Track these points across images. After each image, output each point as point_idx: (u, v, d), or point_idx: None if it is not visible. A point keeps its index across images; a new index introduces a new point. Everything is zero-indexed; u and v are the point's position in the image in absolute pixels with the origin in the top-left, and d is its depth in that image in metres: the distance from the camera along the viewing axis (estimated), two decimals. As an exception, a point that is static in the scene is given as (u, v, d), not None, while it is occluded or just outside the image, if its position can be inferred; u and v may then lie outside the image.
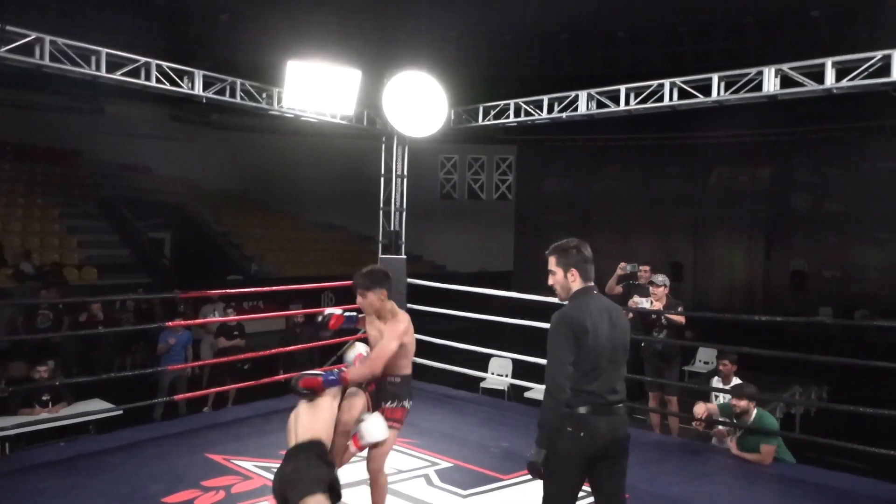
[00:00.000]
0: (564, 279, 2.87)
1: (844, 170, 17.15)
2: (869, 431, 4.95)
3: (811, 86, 5.20)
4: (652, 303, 5.96)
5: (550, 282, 2.92)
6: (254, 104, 6.13)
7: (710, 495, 4.21)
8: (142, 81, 5.33)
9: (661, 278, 5.80)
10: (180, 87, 5.59)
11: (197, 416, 6.39)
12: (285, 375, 6.23)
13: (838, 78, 5.09)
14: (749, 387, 5.12)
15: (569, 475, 2.75)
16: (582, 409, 2.71)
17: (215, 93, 5.82)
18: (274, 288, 8.75)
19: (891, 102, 6.12)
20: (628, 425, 2.87)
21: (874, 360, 4.56)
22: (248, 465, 4.45)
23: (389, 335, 3.34)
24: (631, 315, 6.06)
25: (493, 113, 6.88)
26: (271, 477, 4.21)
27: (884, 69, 4.92)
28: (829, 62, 5.10)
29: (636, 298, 6.13)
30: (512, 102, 6.69)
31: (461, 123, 7.06)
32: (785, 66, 5.30)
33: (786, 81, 5.34)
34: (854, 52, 5.05)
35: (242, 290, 10.26)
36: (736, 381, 5.57)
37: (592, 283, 2.88)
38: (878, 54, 4.90)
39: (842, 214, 17.19)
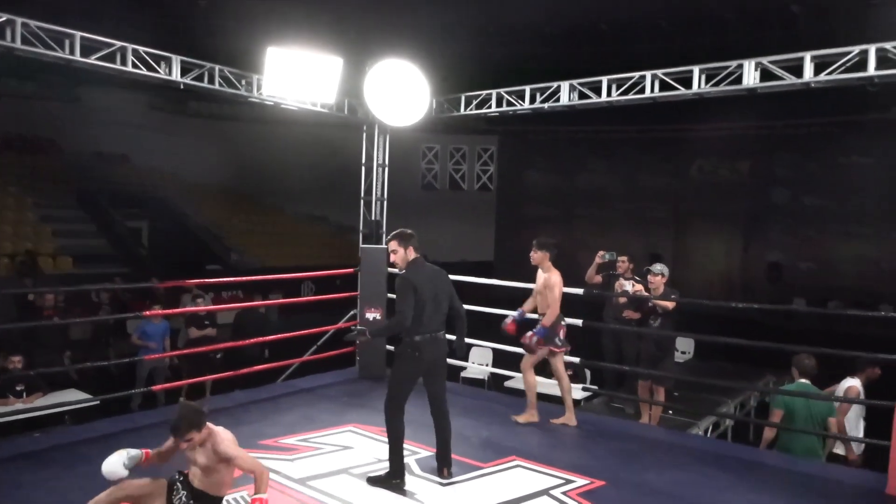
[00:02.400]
0: (405, 254, 4.07)
1: (821, 164, 17.38)
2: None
3: (790, 80, 5.25)
4: (633, 285, 6.00)
5: (393, 258, 4.10)
6: (233, 91, 6.03)
7: (686, 483, 4.26)
8: (118, 66, 5.22)
9: (658, 267, 5.82)
10: (157, 72, 5.49)
11: (174, 406, 6.31)
12: (266, 366, 6.21)
13: (817, 72, 5.15)
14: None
15: (408, 382, 4.05)
16: (417, 338, 3.96)
17: (193, 79, 5.72)
18: (253, 277, 8.65)
19: (868, 97, 6.22)
20: (447, 349, 4.17)
21: (845, 349, 4.66)
22: (226, 455, 4.40)
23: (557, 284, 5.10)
24: (623, 300, 6.12)
25: (475, 102, 6.86)
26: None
27: (861, 64, 4.98)
28: (807, 56, 5.15)
29: (622, 281, 6.18)
30: (494, 92, 6.68)
31: (443, 113, 7.03)
32: (765, 60, 5.34)
33: (765, 75, 5.38)
34: (832, 46, 5.11)
35: (221, 279, 10.17)
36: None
37: (420, 256, 4.11)
38: (856, 49, 4.95)
39: (818, 208, 17.45)
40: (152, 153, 17.17)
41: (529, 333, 5.16)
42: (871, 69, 4.90)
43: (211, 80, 5.86)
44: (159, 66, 5.50)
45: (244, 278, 8.46)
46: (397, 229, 4.22)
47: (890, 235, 16.05)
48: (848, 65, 5.02)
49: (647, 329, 5.79)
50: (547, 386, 6.66)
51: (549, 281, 5.16)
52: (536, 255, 5.19)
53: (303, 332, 6.62)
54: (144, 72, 5.39)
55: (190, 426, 3.24)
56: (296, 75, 5.93)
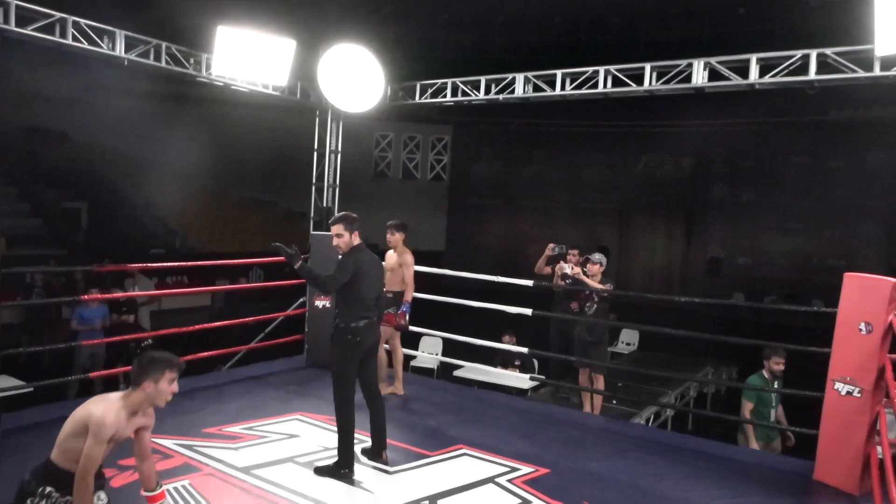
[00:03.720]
0: (350, 239, 4.02)
1: (759, 162, 18.04)
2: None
3: (736, 80, 5.41)
4: (573, 268, 6.12)
5: (336, 242, 4.03)
6: (180, 69, 5.83)
7: (627, 470, 4.38)
8: (56, 39, 4.97)
9: (597, 256, 5.96)
10: (100, 47, 5.25)
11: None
12: (210, 353, 6.05)
13: (762, 74, 5.32)
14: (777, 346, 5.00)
15: (352, 367, 4.02)
16: (361, 323, 3.98)
17: (138, 55, 5.50)
18: (199, 262, 8.43)
19: (807, 99, 6.47)
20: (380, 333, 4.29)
21: (780, 341, 4.87)
22: (168, 443, 4.30)
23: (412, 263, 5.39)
24: (563, 283, 6.24)
25: (430, 91, 6.83)
26: (191, 455, 4.13)
27: (803, 68, 5.17)
28: (753, 58, 5.31)
29: (561, 263, 6.31)
30: (449, 81, 6.66)
31: (398, 100, 6.97)
32: (713, 60, 5.49)
33: (713, 74, 5.54)
34: (774, 49, 5.29)
35: (165, 264, 9.83)
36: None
37: (363, 242, 4.10)
38: (799, 53, 5.14)
39: (755, 205, 18.12)
40: (92, 130, 16.46)
41: (399, 312, 5.37)
42: (812, 73, 5.10)
43: (157, 58, 5.64)
44: (102, 40, 5.26)
45: (190, 263, 8.24)
46: (339, 213, 4.17)
47: (821, 232, 16.81)
48: (791, 68, 5.21)
49: (586, 317, 5.93)
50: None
51: (405, 260, 5.42)
52: (395, 238, 5.40)
53: (249, 319, 6.50)
54: (86, 46, 5.15)
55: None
56: (247, 56, 5.77)
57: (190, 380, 5.60)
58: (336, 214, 4.19)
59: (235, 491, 3.72)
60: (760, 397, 5.04)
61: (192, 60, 5.89)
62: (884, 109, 14.05)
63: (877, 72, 4.85)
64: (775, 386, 5.04)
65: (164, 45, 5.65)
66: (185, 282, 11.63)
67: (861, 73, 4.92)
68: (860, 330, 3.98)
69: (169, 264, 8.06)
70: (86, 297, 6.81)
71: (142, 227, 15.28)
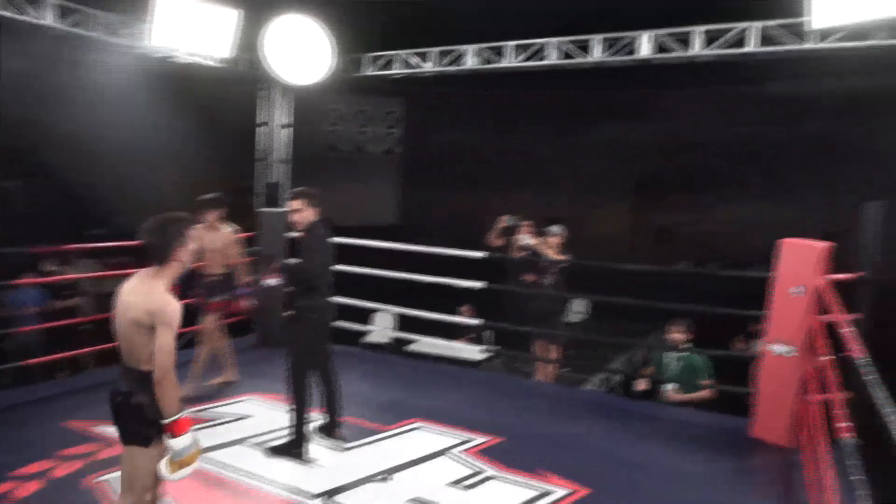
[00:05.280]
0: (309, 215, 3.90)
1: (706, 132, 18.45)
2: (721, 371, 5.52)
3: (680, 52, 5.51)
4: (532, 239, 6.14)
5: (295, 217, 3.90)
6: (116, 40, 5.59)
7: (579, 435, 4.51)
8: (-23, 7, 4.71)
9: (556, 228, 6.01)
10: (26, 15, 4.99)
11: (53, 382, 5.92)
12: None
13: (704, 46, 5.43)
14: (684, 321, 5.22)
15: (318, 346, 4.03)
16: (325, 301, 3.98)
17: (71, 25, 5.25)
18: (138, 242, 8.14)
19: (747, 71, 6.64)
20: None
21: (724, 307, 5.05)
22: (112, 430, 4.19)
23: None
24: (520, 254, 6.27)
25: (378, 63, 6.74)
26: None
27: (743, 40, 5.30)
28: (697, 30, 5.42)
29: (519, 235, 6.28)
30: (398, 53, 6.59)
31: (347, 72, 6.86)
32: (658, 32, 5.57)
33: (658, 46, 5.62)
34: (718, 21, 5.40)
35: (106, 244, 9.48)
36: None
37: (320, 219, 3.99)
38: (740, 26, 5.26)
39: (700, 175, 18.58)
40: (28, 106, 15.65)
41: (241, 295, 5.14)
42: (752, 46, 5.22)
43: (92, 27, 5.40)
44: (32, 7, 4.99)
45: (134, 243, 7.95)
46: (298, 188, 4.04)
47: (765, 201, 17.38)
48: (732, 40, 5.33)
49: (542, 289, 5.99)
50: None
51: (230, 237, 5.13)
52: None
53: (196, 300, 6.36)
54: (14, 15, 4.88)
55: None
56: (188, 26, 5.58)
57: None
58: (294, 189, 4.02)
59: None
60: (658, 364, 5.26)
61: (129, 30, 5.65)
62: (819, 81, 14.50)
63: (812, 44, 5.01)
64: (673, 355, 5.19)
65: (99, 13, 5.40)
66: (130, 263, 11.29)
67: (798, 46, 5.07)
68: (793, 293, 4.16)
69: (111, 244, 7.76)
70: (19, 280, 6.52)
71: (81, 208, 14.70)
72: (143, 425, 2.44)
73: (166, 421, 2.41)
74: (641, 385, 5.19)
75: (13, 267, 8.13)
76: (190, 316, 4.87)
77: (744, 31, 5.27)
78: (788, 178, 16.98)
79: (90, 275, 7.40)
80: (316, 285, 3.92)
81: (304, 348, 3.99)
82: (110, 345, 5.30)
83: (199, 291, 5.09)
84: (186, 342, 6.44)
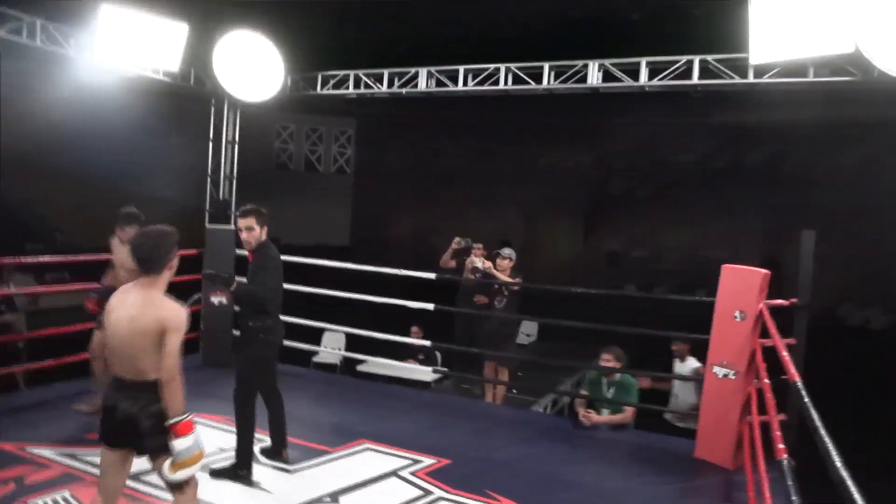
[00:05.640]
0: (260, 234, 3.83)
1: (651, 159, 19.07)
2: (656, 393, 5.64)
3: (628, 82, 5.68)
4: (483, 262, 6.17)
5: (245, 236, 3.80)
6: (58, 49, 5.42)
7: (528, 457, 4.51)
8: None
9: (507, 251, 6.04)
10: (-38, 21, 4.79)
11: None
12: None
13: (651, 76, 5.62)
14: (616, 349, 5.20)
15: (268, 367, 3.95)
16: (273, 322, 3.86)
17: (9, 32, 5.06)
18: (83, 257, 7.81)
19: (692, 102, 6.90)
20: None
21: (669, 329, 5.17)
22: (45, 452, 4.01)
23: None
24: (472, 276, 6.29)
25: (332, 83, 6.72)
26: (72, 463, 3.87)
27: (687, 72, 5.50)
28: (643, 62, 5.60)
29: (472, 258, 6.30)
30: (352, 73, 6.58)
31: (298, 91, 6.81)
32: (607, 62, 5.73)
33: (607, 76, 5.79)
34: (665, 54, 5.60)
35: (43, 258, 9.12)
36: (692, 360, 5.41)
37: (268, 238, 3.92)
38: (684, 59, 5.46)
39: (648, 200, 19.13)
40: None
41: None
42: (696, 78, 5.43)
43: (31, 36, 5.21)
44: (-34, 14, 4.80)
45: (71, 258, 7.62)
46: (249, 205, 3.91)
47: (707, 227, 17.99)
48: (677, 72, 5.53)
49: (494, 312, 6.02)
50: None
51: None
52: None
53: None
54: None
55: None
56: (134, 38, 5.44)
57: (72, 383, 5.24)
58: (245, 206, 3.88)
59: (123, 499, 3.51)
60: (591, 387, 5.32)
61: (72, 41, 5.48)
62: (760, 113, 15.17)
63: (751, 79, 5.24)
64: (604, 381, 5.21)
65: (38, 22, 5.22)
66: (67, 278, 10.81)
67: (737, 80, 5.29)
68: (735, 317, 4.30)
69: (48, 258, 7.43)
70: (-50, 295, 6.19)
71: (17, 222, 14.09)
72: (164, 433, 2.51)
73: (172, 422, 2.49)
74: (586, 416, 5.13)
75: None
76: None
77: (687, 63, 5.47)
78: (731, 205, 17.64)
79: (25, 290, 7.07)
80: (267, 307, 3.84)
81: (253, 369, 3.89)
82: (43, 363, 5.12)
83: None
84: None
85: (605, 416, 5.07)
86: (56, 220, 14.46)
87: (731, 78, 5.31)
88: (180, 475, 2.53)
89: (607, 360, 5.13)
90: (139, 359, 2.52)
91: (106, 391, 2.66)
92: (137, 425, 2.52)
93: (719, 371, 4.36)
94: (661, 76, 5.58)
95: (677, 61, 5.51)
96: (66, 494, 3.49)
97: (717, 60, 5.38)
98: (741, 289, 4.32)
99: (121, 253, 4.68)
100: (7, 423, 4.46)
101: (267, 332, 3.85)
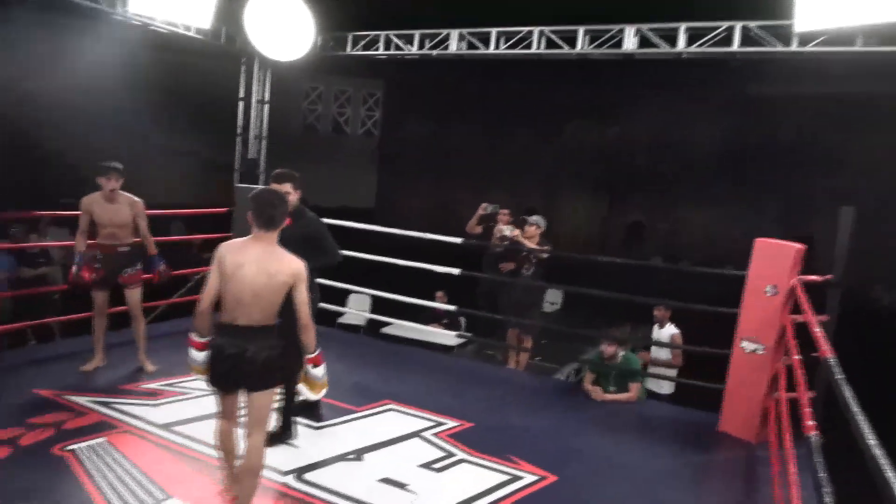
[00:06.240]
0: (296, 198, 3.77)
1: (675, 134, 18.68)
2: (690, 365, 5.63)
3: (665, 48, 5.54)
4: (512, 230, 6.15)
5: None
6: (93, 5, 5.43)
7: (548, 424, 4.55)
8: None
9: (535, 218, 6.00)
10: (0, -26, 4.81)
11: (22, 350, 5.81)
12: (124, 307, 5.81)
13: (689, 43, 5.46)
14: (618, 331, 5.30)
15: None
16: (315, 283, 3.78)
17: (46, -14, 5.07)
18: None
19: (727, 71, 6.70)
20: None
21: (693, 303, 5.12)
22: (81, 399, 4.14)
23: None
24: (500, 244, 6.28)
25: (361, 43, 6.65)
26: (107, 412, 3.99)
27: (727, 39, 5.34)
28: (682, 27, 5.45)
29: (500, 226, 6.28)
30: (382, 34, 6.51)
31: (328, 51, 6.76)
32: (644, 27, 5.58)
33: (643, 41, 5.64)
34: (704, 19, 5.43)
35: (76, 213, 9.30)
36: (670, 326, 5.89)
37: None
38: (725, 24, 5.30)
39: (674, 174, 18.82)
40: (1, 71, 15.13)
41: (162, 268, 4.82)
42: (736, 45, 5.27)
43: (67, -10, 5.24)
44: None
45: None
46: (284, 169, 3.81)
47: (736, 203, 17.68)
48: (716, 39, 5.37)
49: (520, 279, 6.01)
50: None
51: (140, 208, 4.67)
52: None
53: (171, 272, 6.25)
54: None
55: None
56: (167, -6, 5.44)
57: (107, 335, 5.37)
58: (281, 171, 3.78)
59: (155, 448, 3.63)
60: (597, 372, 5.22)
61: (106, -5, 5.49)
62: (797, 85, 14.74)
63: (794, 47, 5.07)
64: (606, 364, 5.16)
65: (74, -24, 5.24)
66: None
67: (781, 48, 5.13)
68: (766, 292, 4.24)
69: (78, 213, 7.58)
70: (-9, 246, 6.34)
71: (52, 175, 14.33)
72: (277, 370, 2.87)
73: (311, 355, 2.99)
74: (593, 393, 5.13)
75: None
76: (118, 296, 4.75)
77: (728, 30, 5.31)
78: (760, 181, 17.29)
79: (61, 243, 7.22)
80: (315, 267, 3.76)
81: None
82: (78, 315, 5.24)
83: (111, 266, 4.61)
84: (151, 319, 6.35)
85: (611, 395, 5.07)
86: (88, 174, 14.68)
87: (774, 46, 5.15)
88: (320, 394, 3.09)
89: (607, 348, 5.09)
90: (269, 307, 2.82)
91: (222, 341, 2.82)
92: (267, 364, 2.81)
93: (747, 346, 4.32)
94: (699, 43, 5.43)
95: (718, 27, 5.35)
96: (103, 440, 3.61)
97: (760, 27, 5.21)
98: (774, 263, 4.25)
99: (106, 211, 4.52)
100: (45, 371, 4.62)
101: (315, 293, 3.84)
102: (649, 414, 4.99)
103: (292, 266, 2.84)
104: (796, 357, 3.37)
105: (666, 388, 5.85)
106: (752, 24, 5.24)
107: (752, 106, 17.09)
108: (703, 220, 18.17)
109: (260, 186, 6.60)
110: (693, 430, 4.63)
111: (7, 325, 5.79)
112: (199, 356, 2.92)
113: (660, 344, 5.85)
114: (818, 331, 2.86)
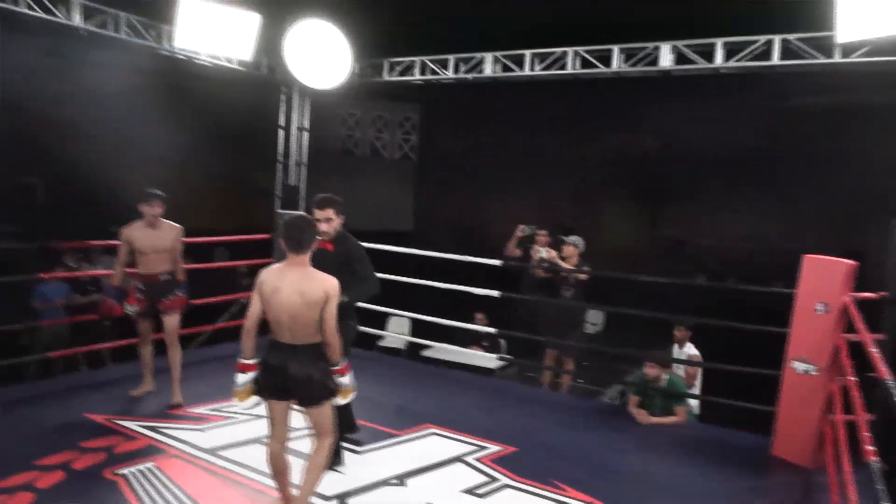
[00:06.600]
0: (338, 222, 3.76)
1: (721, 146, 18.33)
2: (731, 388, 5.45)
3: (702, 63, 5.47)
4: (548, 252, 6.10)
5: (326, 227, 3.69)
6: (140, 41, 5.65)
7: (594, 448, 4.47)
8: (10, 7, 4.77)
9: (573, 238, 5.96)
10: (55, 15, 5.05)
11: (74, 375, 6.00)
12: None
13: (726, 58, 5.39)
14: (660, 353, 5.26)
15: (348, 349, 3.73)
16: (355, 307, 3.83)
17: (96, 25, 5.31)
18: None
19: (764, 85, 6.59)
20: None
21: (737, 321, 4.98)
22: (132, 424, 4.24)
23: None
24: (542, 273, 6.24)
25: (398, 69, 6.76)
26: (156, 437, 4.07)
27: (766, 53, 5.25)
28: (719, 42, 5.38)
29: (537, 247, 6.25)
30: (418, 59, 6.60)
31: (365, 78, 6.89)
32: (680, 43, 5.54)
33: (679, 58, 5.59)
34: (741, 34, 5.36)
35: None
36: (690, 346, 5.75)
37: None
38: (763, 38, 5.22)
39: (718, 187, 18.43)
40: (48, 102, 15.82)
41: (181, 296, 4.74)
42: (776, 58, 5.18)
43: (116, 28, 5.47)
44: (57, 8, 5.06)
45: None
46: (327, 194, 3.78)
47: (781, 216, 17.21)
48: (755, 53, 5.29)
49: (560, 300, 5.96)
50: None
51: (181, 234, 4.76)
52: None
53: (216, 298, 6.40)
54: (41, 14, 4.95)
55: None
56: (210, 29, 5.62)
57: (156, 359, 5.49)
58: (322, 197, 3.76)
59: (202, 472, 3.69)
60: (642, 394, 5.11)
61: (153, 32, 5.71)
62: (840, 96, 14.38)
63: (837, 58, 4.96)
64: (650, 387, 5.05)
65: (123, 15, 5.47)
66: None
67: (822, 60, 5.02)
68: (817, 310, 4.11)
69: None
70: (45, 275, 6.58)
71: (102, 204, 14.81)
72: (323, 386, 3.06)
73: (338, 367, 3.10)
74: (639, 416, 5.05)
75: (41, 261, 8.23)
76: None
77: (767, 43, 5.23)
78: (806, 195, 16.81)
79: (111, 272, 7.47)
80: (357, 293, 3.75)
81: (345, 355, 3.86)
82: (127, 341, 5.38)
83: (153, 294, 4.63)
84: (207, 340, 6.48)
85: (656, 419, 4.95)
86: (136, 202, 15.13)
87: (815, 58, 5.04)
88: (348, 399, 3.22)
89: (650, 370, 4.98)
90: (310, 325, 2.99)
91: (268, 355, 3.05)
92: (311, 380, 3.02)
93: (799, 366, 4.18)
94: (738, 57, 5.35)
95: (756, 41, 5.27)
96: (151, 465, 3.68)
97: (800, 39, 5.11)
98: (824, 280, 4.12)
99: (148, 237, 4.58)
100: (96, 396, 4.75)
101: (353, 319, 3.87)
102: (697, 436, 4.86)
103: (325, 284, 2.99)
104: (851, 378, 3.24)
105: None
106: (792, 36, 5.15)
107: (795, 116, 16.70)
108: (747, 234, 17.73)
109: (300, 212, 6.72)
110: (744, 453, 4.48)
111: (62, 350, 6.00)
112: (241, 379, 3.07)
113: (690, 363, 5.62)
114: (874, 351, 2.75)
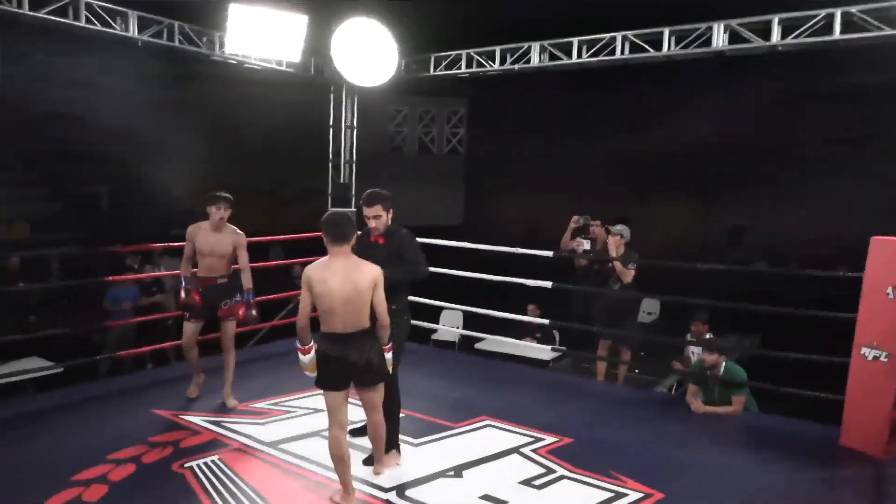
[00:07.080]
0: (388, 218, 3.77)
1: (778, 134, 17.66)
2: (795, 376, 5.26)
3: (758, 42, 5.28)
4: (592, 242, 6.02)
5: (375, 223, 3.73)
6: (193, 49, 5.83)
7: (650, 439, 4.39)
8: (69, 21, 4.99)
9: (618, 227, 5.87)
10: (112, 28, 5.26)
11: (141, 373, 6.27)
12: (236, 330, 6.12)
13: (783, 35, 5.18)
14: (718, 340, 5.14)
15: (402, 346, 3.85)
16: (408, 301, 3.91)
17: (151, 36, 5.50)
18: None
19: (831, 62, 6.30)
20: None
21: (802, 308, 4.79)
22: (196, 419, 4.40)
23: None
24: (584, 262, 6.17)
25: (444, 63, 6.76)
26: (219, 430, 4.21)
27: (827, 27, 5.02)
28: (775, 18, 5.18)
29: (580, 240, 6.18)
30: (464, 52, 6.59)
31: (412, 73, 6.92)
32: (734, 22, 5.35)
33: (733, 37, 5.41)
34: (794, 8, 5.13)
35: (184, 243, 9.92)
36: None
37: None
38: (823, 12, 4.99)
39: (775, 176, 17.79)
40: (108, 114, 16.52)
41: (252, 310, 4.67)
42: (837, 32, 4.95)
43: (170, 38, 5.66)
44: (115, 21, 5.27)
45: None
46: (374, 190, 3.76)
47: (841, 200, 16.47)
48: (814, 28, 5.07)
49: (611, 291, 5.87)
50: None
51: (242, 240, 4.66)
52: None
53: (272, 296, 6.56)
54: (99, 27, 5.16)
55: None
56: (259, 33, 5.75)
57: (215, 357, 5.68)
58: (370, 194, 3.73)
59: (264, 465, 3.79)
60: (699, 383, 4.96)
61: (204, 39, 5.90)
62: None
63: (904, 28, 4.70)
64: (707, 374, 4.89)
65: (176, 24, 5.66)
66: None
67: (889, 31, 4.77)
68: (888, 294, 3.92)
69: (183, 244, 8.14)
70: (111, 277, 6.86)
71: (162, 209, 15.39)
72: (378, 369, 3.28)
73: (386, 346, 3.32)
74: (695, 406, 4.93)
75: (110, 265, 8.62)
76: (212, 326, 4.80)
77: (827, 17, 5.00)
78: (870, 177, 16.04)
79: (173, 273, 7.76)
80: (405, 285, 3.79)
81: (399, 350, 3.75)
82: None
83: (210, 298, 4.63)
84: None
85: (712, 408, 4.81)
86: (195, 206, 15.65)
87: (881, 30, 4.80)
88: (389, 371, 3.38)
89: (708, 357, 4.84)
90: (363, 313, 3.18)
91: (326, 347, 3.20)
92: (371, 364, 3.23)
93: (868, 353, 4.00)
94: (796, 34, 5.13)
95: (815, 15, 5.04)
96: (215, 458, 3.81)
97: (863, 11, 4.87)
98: (894, 263, 3.92)
99: (209, 240, 4.55)
100: (163, 392, 4.94)
101: (407, 314, 3.88)
102: (758, 426, 4.71)
103: (372, 271, 3.19)
104: (926, 364, 3.08)
105: None
106: (854, 8, 4.91)
107: (849, 95, 15.92)
108: (807, 219, 17.03)
109: (352, 210, 6.82)
110: (809, 443, 4.32)
111: (130, 349, 6.28)
112: (306, 358, 3.26)
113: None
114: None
